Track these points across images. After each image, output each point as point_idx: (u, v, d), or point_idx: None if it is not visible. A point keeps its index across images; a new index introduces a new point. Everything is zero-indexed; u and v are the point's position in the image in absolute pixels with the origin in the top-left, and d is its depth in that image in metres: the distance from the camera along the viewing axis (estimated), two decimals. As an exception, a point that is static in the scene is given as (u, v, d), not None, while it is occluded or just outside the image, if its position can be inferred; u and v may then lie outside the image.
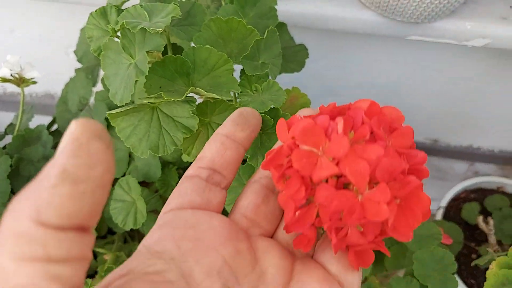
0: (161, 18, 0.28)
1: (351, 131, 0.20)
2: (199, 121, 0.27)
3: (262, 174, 0.25)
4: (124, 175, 0.42)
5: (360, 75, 0.68)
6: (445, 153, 0.87)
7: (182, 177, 0.23)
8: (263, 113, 0.28)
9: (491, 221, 0.55)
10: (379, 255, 0.44)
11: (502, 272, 0.39)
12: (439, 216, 0.58)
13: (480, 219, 0.55)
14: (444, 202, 0.59)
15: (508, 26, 0.53)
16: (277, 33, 0.32)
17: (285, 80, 0.45)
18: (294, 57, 0.43)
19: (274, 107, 0.29)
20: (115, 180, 0.38)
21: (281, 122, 0.22)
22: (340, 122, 0.19)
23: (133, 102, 0.30)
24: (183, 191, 0.22)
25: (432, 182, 0.85)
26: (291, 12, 0.51)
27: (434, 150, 0.86)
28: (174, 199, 0.22)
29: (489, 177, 0.63)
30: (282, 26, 0.44)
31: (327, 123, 0.20)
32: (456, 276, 0.54)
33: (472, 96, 0.71)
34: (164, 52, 0.35)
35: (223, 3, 0.41)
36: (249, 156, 0.28)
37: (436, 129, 0.82)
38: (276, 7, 0.39)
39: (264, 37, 0.30)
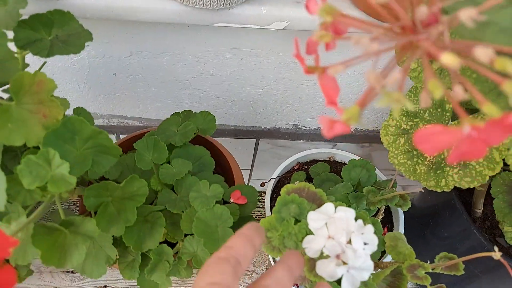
0: None
1: None
2: None
3: None
4: None
5: (204, 65, 0.72)
6: (308, 136, 0.93)
7: None
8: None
9: (305, 185, 0.60)
10: (177, 221, 0.47)
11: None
12: (270, 186, 0.63)
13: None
14: (276, 174, 0.64)
15: (302, 9, 0.59)
16: None
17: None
18: (77, 40, 0.46)
19: None
20: None
21: None
22: None
23: None
24: None
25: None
26: (97, 5, 0.54)
27: (297, 134, 0.92)
28: None
29: (320, 149, 0.69)
30: (66, 14, 0.47)
31: None
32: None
33: (308, 79, 0.77)
34: None
35: None
36: None
37: (294, 115, 0.88)
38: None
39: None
